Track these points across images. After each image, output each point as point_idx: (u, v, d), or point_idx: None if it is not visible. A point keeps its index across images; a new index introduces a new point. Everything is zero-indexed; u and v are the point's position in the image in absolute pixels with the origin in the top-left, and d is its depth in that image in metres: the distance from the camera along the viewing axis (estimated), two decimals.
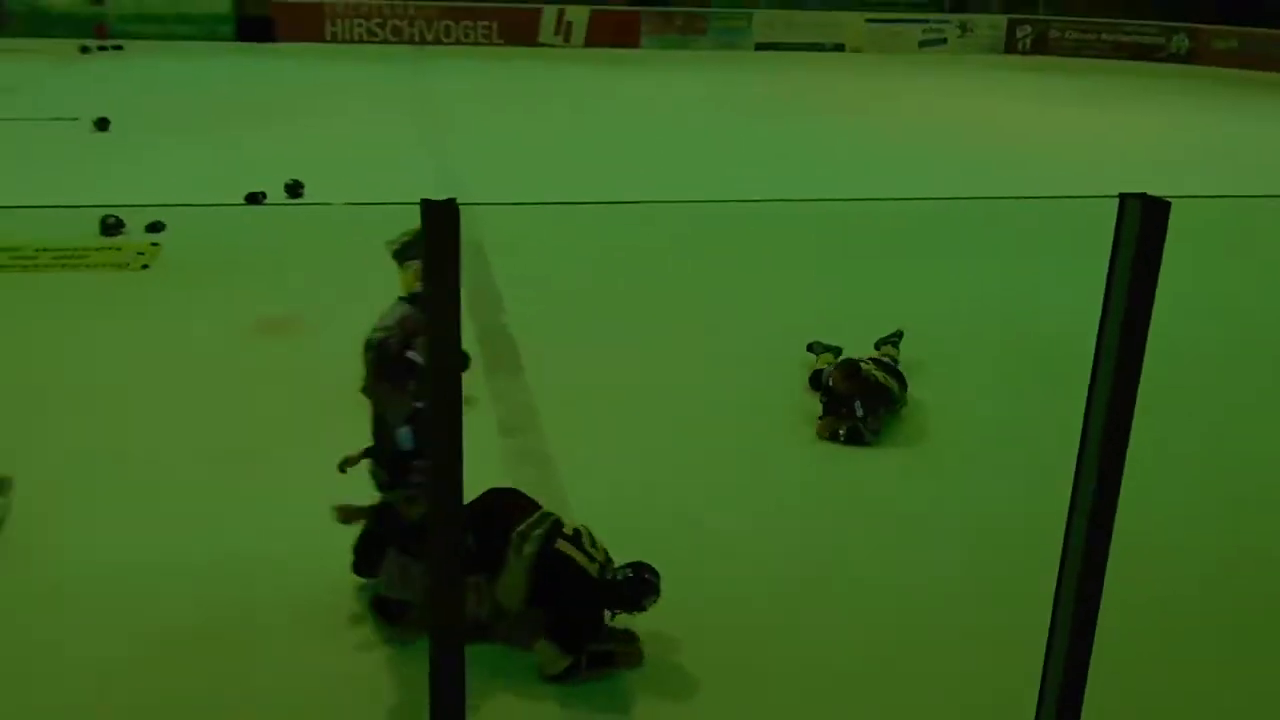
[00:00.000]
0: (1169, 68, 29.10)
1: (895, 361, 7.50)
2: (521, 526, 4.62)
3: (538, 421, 6.80)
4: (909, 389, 7.28)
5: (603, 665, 4.49)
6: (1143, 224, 2.52)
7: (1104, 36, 30.43)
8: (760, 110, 20.59)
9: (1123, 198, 2.57)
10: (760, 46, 29.48)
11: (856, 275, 10.05)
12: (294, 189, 12.61)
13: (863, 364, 7.04)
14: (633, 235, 10.86)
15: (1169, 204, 2.54)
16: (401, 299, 4.74)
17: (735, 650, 4.68)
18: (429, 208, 2.25)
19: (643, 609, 4.47)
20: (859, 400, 6.82)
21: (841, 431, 6.80)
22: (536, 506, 4.82)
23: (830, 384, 6.97)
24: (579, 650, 4.43)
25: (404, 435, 4.55)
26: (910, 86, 24.62)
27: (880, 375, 7.02)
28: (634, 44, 29.31)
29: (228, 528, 5.52)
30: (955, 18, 30.53)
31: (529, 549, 4.54)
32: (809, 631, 4.90)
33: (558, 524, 4.63)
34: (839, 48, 29.63)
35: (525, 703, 4.34)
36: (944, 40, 30.26)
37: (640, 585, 4.47)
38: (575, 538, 4.58)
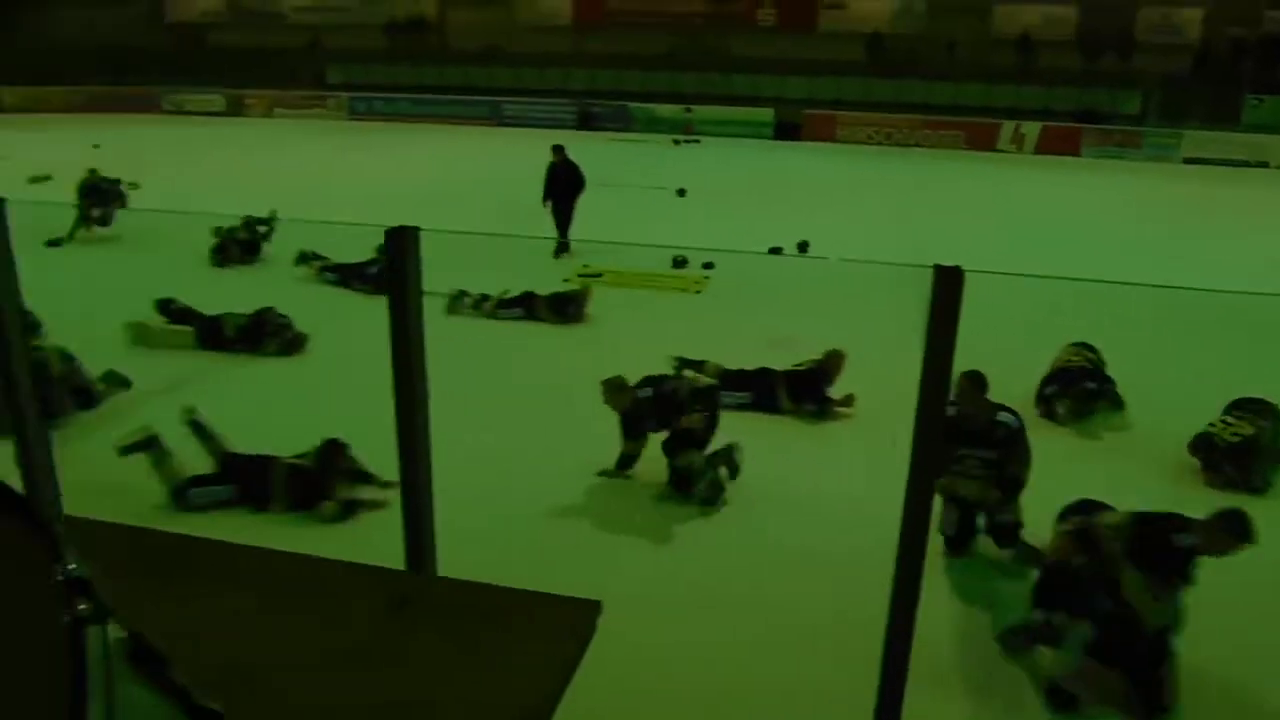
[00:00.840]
0: None
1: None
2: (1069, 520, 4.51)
3: None
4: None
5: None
6: None
7: None
8: (1185, 212, 18.19)
9: None
10: (1188, 160, 25.94)
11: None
12: (803, 246, 12.82)
13: (1215, 436, 6.01)
14: (1067, 310, 9.89)
15: None
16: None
17: None
18: (941, 272, 2.17)
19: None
20: (1227, 465, 5.96)
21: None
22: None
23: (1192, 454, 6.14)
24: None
25: None
26: None
27: (1231, 435, 5.94)
28: (1075, 153, 26.82)
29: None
30: None
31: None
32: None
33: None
34: (1263, 165, 25.38)
35: None
36: None
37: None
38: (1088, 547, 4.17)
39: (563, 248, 12.52)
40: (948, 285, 2.00)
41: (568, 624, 1.45)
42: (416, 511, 2.13)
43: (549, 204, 12.72)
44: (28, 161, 19.16)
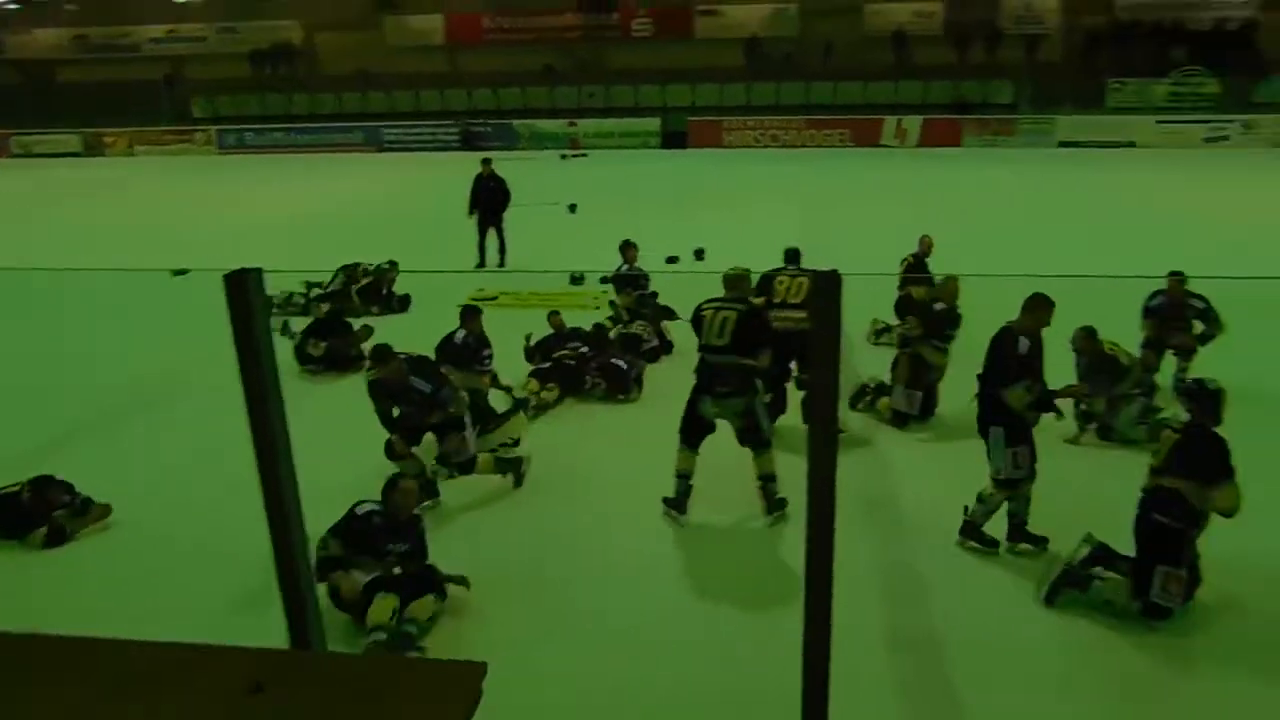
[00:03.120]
0: None
1: None
2: None
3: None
4: None
5: None
6: None
7: None
8: (1059, 194, 19.06)
9: None
10: (1062, 144, 27.21)
11: None
12: (699, 254, 12.92)
13: None
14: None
15: None
16: None
17: None
18: (819, 278, 2.13)
19: None
20: None
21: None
22: None
23: None
24: None
25: None
26: (1195, 175, 21.89)
27: None
28: (956, 144, 27.88)
29: None
30: (1238, 117, 26.79)
31: None
32: None
33: None
34: (1131, 144, 26.83)
35: None
36: (1227, 137, 26.62)
37: None
38: None
39: (488, 261, 13.01)
40: (828, 290, 1.98)
41: (451, 689, 1.35)
42: (293, 580, 1.97)
43: (474, 216, 13.07)
44: None
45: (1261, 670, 4.34)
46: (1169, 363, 7.82)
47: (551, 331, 8.73)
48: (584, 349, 8.26)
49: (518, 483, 6.33)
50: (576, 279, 11.57)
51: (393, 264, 11.21)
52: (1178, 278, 7.62)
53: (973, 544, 5.39)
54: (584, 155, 27.54)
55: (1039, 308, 5.30)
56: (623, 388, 7.96)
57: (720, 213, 16.73)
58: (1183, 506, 4.50)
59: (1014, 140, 27.67)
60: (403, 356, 6.05)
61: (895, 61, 29.77)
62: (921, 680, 4.33)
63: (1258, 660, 4.41)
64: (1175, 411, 6.16)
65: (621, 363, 8.15)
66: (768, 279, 7.67)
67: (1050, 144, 27.28)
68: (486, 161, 13.47)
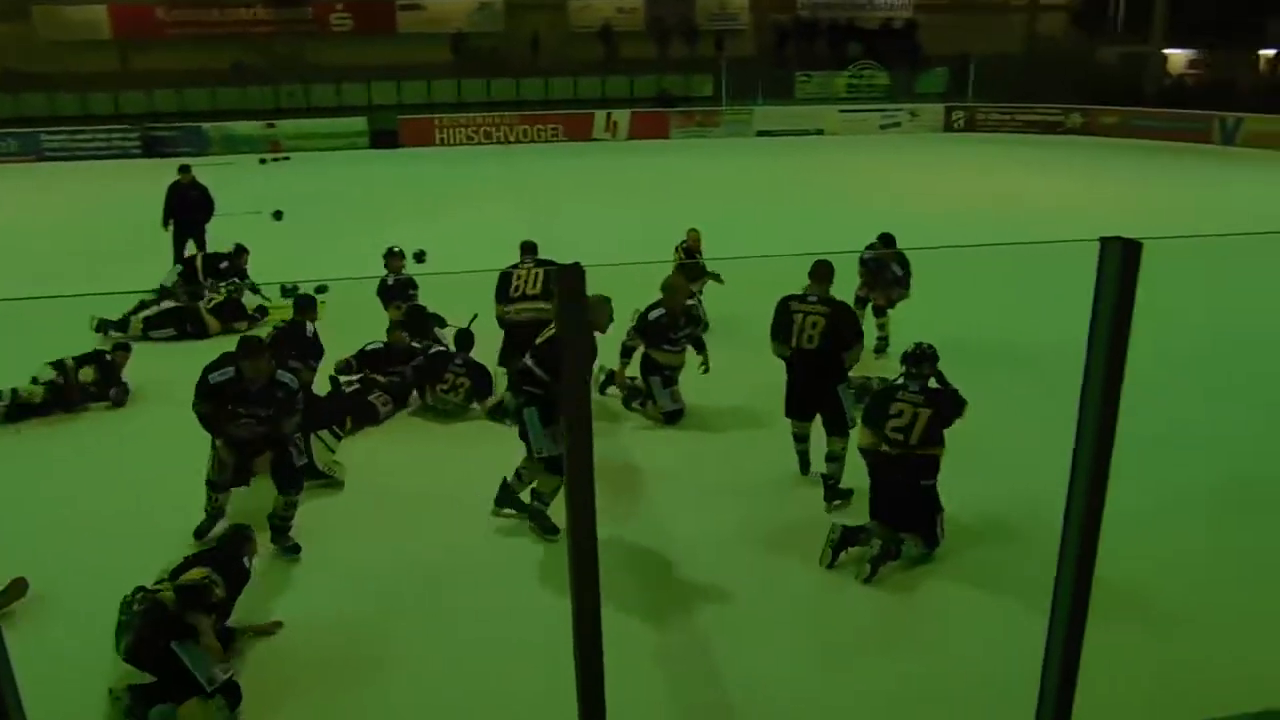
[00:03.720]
0: (1067, 139, 28.44)
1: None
2: None
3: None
4: None
5: None
6: (1122, 261, 2.31)
7: (1017, 116, 29.90)
8: (761, 180, 20.40)
9: (1103, 241, 2.37)
10: (760, 133, 29.23)
11: None
12: (420, 256, 12.53)
13: None
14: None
15: (1141, 244, 2.34)
16: None
17: None
18: (561, 271, 2.08)
19: None
20: None
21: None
22: None
23: None
24: None
25: None
26: (875, 158, 24.26)
27: None
28: (664, 136, 29.15)
29: None
30: (906, 106, 30.12)
31: None
32: None
33: None
34: (819, 132, 29.33)
35: None
36: (899, 124, 29.87)
37: None
38: None
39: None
40: (571, 281, 1.95)
41: None
42: None
43: (169, 228, 12.10)
44: None
45: (1011, 607, 4.81)
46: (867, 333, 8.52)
47: (383, 343, 8.05)
48: (443, 348, 7.78)
49: (292, 551, 5.31)
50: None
51: (240, 247, 11.15)
52: (885, 242, 8.38)
53: (838, 503, 5.66)
54: (286, 158, 25.99)
55: (830, 274, 5.81)
56: (485, 392, 7.44)
57: (441, 213, 16.38)
58: (938, 465, 5.05)
59: (717, 131, 29.35)
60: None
61: (604, 57, 30.58)
62: (688, 651, 4.42)
63: (1007, 598, 4.85)
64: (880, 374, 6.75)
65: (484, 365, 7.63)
66: (507, 275, 7.60)
67: (750, 133, 29.23)
68: (185, 169, 12.50)
